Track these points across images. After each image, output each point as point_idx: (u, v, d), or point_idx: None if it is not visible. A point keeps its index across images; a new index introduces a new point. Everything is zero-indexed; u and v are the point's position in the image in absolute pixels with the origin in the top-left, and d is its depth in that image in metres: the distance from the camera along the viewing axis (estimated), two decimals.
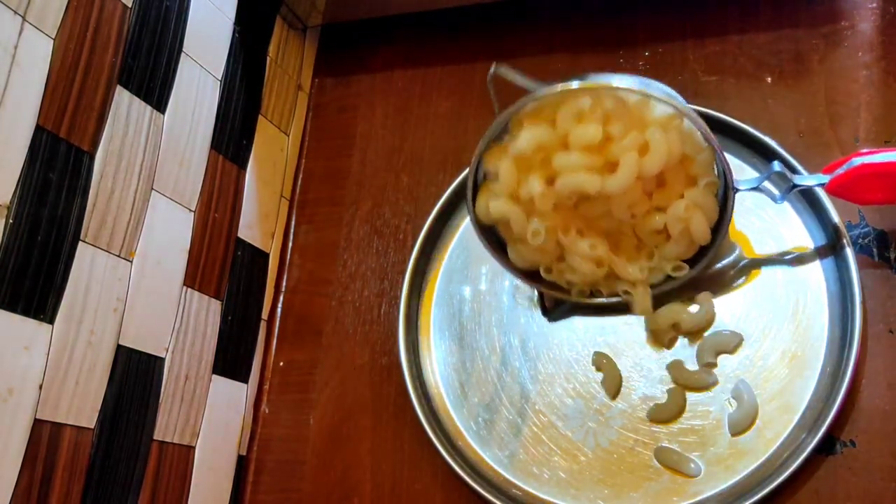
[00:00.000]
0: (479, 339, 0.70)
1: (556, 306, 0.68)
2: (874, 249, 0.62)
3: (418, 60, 0.83)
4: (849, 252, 0.60)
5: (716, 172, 0.59)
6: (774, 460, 0.58)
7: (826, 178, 0.58)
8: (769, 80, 0.70)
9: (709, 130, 0.55)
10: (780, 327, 0.62)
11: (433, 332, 0.71)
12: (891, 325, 0.60)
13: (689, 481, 0.60)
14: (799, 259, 0.63)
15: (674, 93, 0.57)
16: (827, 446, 0.58)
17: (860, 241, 0.62)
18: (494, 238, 0.64)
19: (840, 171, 0.57)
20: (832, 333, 0.60)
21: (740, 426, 0.60)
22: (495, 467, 0.65)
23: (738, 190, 0.58)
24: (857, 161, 0.56)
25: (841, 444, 0.58)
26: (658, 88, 0.56)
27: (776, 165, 0.58)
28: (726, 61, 0.71)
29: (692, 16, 0.74)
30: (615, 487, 0.62)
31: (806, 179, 0.59)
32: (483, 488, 0.63)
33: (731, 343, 0.62)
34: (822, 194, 0.62)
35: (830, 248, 0.62)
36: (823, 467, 0.58)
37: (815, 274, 0.62)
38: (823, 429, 0.56)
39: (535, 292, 0.69)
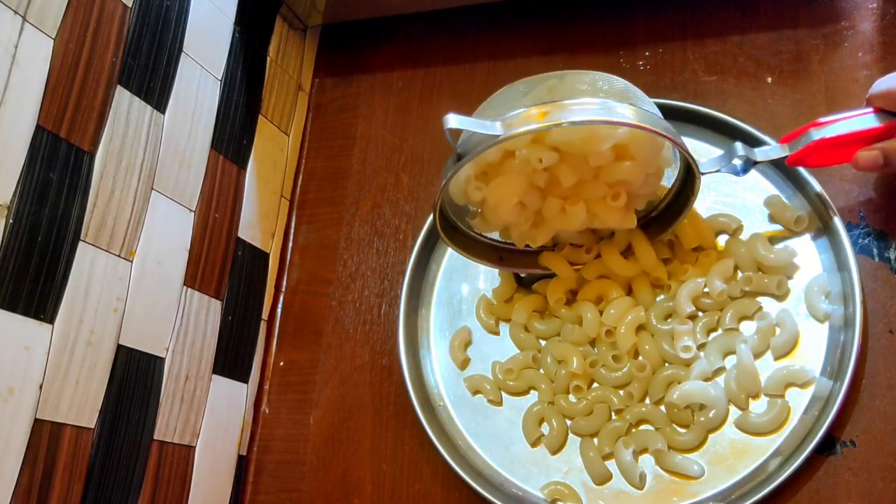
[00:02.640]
0: None
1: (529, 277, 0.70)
2: (874, 249, 0.62)
3: (418, 60, 0.83)
4: (849, 252, 0.60)
5: (678, 163, 0.62)
6: (774, 460, 0.58)
7: (786, 152, 0.60)
8: (769, 80, 0.70)
9: (672, 135, 0.55)
10: None
11: (433, 332, 0.71)
12: (891, 325, 0.60)
13: (690, 482, 0.60)
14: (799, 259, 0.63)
15: (636, 93, 0.57)
16: (827, 446, 0.58)
17: (860, 241, 0.62)
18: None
19: (799, 146, 0.59)
20: (832, 333, 0.60)
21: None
22: (495, 467, 0.65)
23: (703, 173, 0.59)
24: (815, 135, 0.59)
25: (841, 444, 0.58)
26: (615, 106, 0.55)
27: (739, 147, 0.60)
28: (726, 61, 0.71)
29: (692, 16, 0.74)
30: (616, 487, 0.61)
31: (767, 155, 0.61)
32: (483, 488, 0.63)
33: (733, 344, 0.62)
34: (823, 195, 0.62)
35: (830, 248, 0.62)
36: (823, 467, 0.58)
37: (815, 274, 0.62)
38: (823, 429, 0.56)
39: None
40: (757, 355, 0.61)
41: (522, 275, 0.70)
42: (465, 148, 0.55)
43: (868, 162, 0.57)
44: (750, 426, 0.60)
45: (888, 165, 0.57)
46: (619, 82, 0.57)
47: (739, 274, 0.64)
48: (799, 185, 0.64)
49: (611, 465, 0.62)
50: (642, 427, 0.63)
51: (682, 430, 0.61)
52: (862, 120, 0.58)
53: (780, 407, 0.59)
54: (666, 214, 0.65)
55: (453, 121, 0.52)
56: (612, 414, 0.63)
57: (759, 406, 0.60)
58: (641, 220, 0.65)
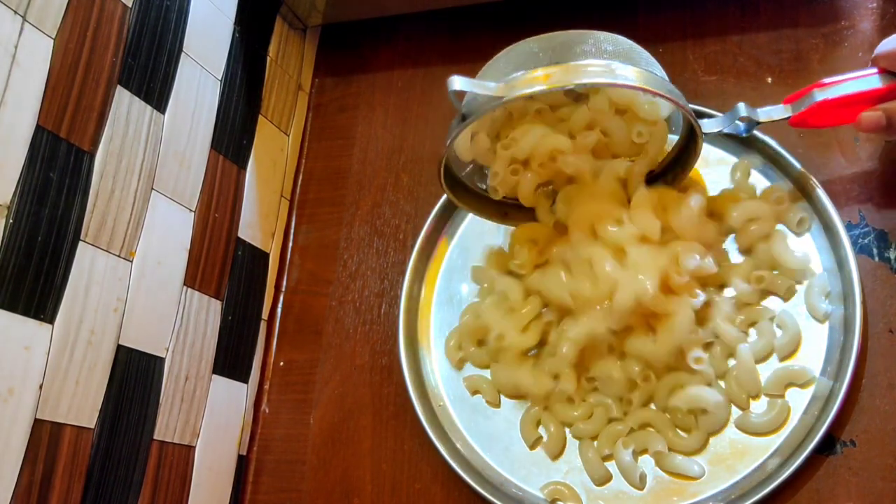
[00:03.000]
0: None
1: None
2: (874, 249, 0.62)
3: (418, 60, 0.83)
4: (849, 252, 0.60)
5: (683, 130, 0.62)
6: (774, 460, 0.58)
7: (789, 113, 0.60)
8: (769, 80, 0.70)
9: (675, 97, 0.55)
10: None
11: (433, 332, 0.71)
12: (891, 325, 0.60)
13: (691, 482, 0.60)
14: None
15: (641, 53, 0.58)
16: (827, 446, 0.58)
17: (860, 241, 0.62)
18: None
19: (803, 106, 0.59)
20: (832, 333, 0.60)
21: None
22: (495, 467, 0.65)
23: (705, 134, 0.59)
24: (819, 96, 0.58)
25: (841, 444, 0.58)
26: (620, 68, 0.55)
27: (741, 108, 0.60)
28: (726, 61, 0.71)
29: (692, 16, 0.74)
30: (616, 487, 0.61)
31: (769, 115, 0.61)
32: (483, 488, 0.63)
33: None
34: (823, 195, 0.62)
35: (830, 248, 0.62)
36: (823, 467, 0.58)
37: (816, 274, 0.62)
38: (823, 429, 0.56)
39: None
40: (760, 357, 0.61)
41: None
42: (470, 109, 0.56)
43: (871, 123, 0.57)
44: (750, 426, 0.60)
45: (891, 126, 0.56)
46: (625, 42, 0.57)
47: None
48: (799, 184, 0.64)
49: (610, 465, 0.62)
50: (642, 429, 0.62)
51: (683, 435, 0.61)
52: (866, 81, 0.58)
53: (781, 407, 0.59)
54: (666, 177, 0.66)
55: (457, 83, 0.53)
56: (614, 412, 0.63)
57: (759, 406, 0.60)
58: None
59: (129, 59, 0.60)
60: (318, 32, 0.87)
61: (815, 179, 0.63)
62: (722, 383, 0.61)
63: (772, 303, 0.63)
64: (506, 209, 0.68)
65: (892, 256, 0.62)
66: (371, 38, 0.85)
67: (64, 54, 0.54)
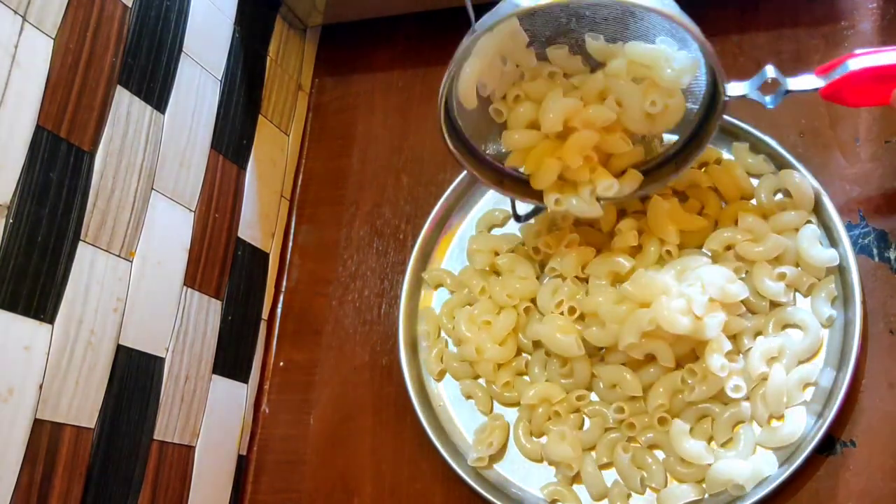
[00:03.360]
0: None
1: (531, 214, 0.68)
2: (874, 249, 0.62)
3: (418, 60, 0.83)
4: (849, 252, 0.60)
5: (704, 78, 0.58)
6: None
7: (821, 83, 0.56)
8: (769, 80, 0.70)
9: (700, 35, 0.53)
10: None
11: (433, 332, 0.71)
12: (891, 325, 0.60)
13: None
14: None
15: None
16: (827, 446, 0.58)
17: (860, 241, 0.62)
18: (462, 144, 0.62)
19: (835, 75, 0.55)
20: (832, 333, 0.60)
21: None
22: (495, 467, 0.65)
23: (728, 97, 0.56)
24: (853, 64, 0.55)
25: (841, 444, 0.58)
26: None
27: (770, 70, 0.56)
28: (726, 61, 0.71)
29: (692, 16, 0.74)
30: (617, 486, 0.61)
31: (800, 83, 0.57)
32: (483, 488, 0.63)
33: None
34: (823, 195, 0.62)
35: (830, 248, 0.62)
36: (823, 467, 0.58)
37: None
38: (823, 429, 0.56)
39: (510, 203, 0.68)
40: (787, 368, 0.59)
41: (520, 217, 0.68)
42: (483, 22, 0.52)
43: None
44: (766, 442, 0.59)
45: None
46: None
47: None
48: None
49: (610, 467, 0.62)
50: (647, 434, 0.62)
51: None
52: None
53: (798, 417, 0.58)
54: (683, 151, 0.62)
55: None
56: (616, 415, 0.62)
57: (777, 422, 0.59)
58: (655, 161, 0.63)
59: (129, 59, 0.60)
60: (318, 32, 0.87)
61: (815, 180, 0.63)
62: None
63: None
64: (503, 177, 0.64)
65: (892, 256, 0.62)
66: (371, 38, 0.85)
67: (64, 54, 0.54)
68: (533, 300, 0.66)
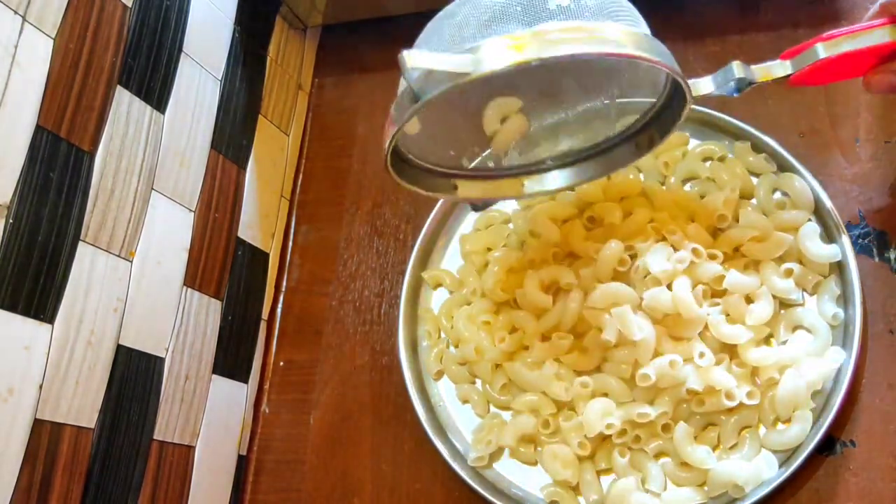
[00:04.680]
0: None
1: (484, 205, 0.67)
2: (874, 249, 0.62)
3: None
4: (849, 252, 0.60)
5: (666, 88, 0.55)
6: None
7: (789, 70, 0.54)
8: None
9: (670, 64, 0.49)
10: None
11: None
12: (891, 325, 0.60)
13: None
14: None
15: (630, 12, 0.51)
16: (827, 446, 0.58)
17: (860, 241, 0.62)
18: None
19: (805, 63, 0.53)
20: (832, 333, 0.60)
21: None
22: (495, 467, 0.65)
23: (694, 99, 0.53)
24: (823, 53, 0.52)
25: (841, 444, 0.58)
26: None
27: (735, 68, 0.53)
28: (726, 61, 0.71)
29: (692, 16, 0.74)
30: (617, 486, 0.61)
31: (769, 73, 0.54)
32: (483, 488, 0.63)
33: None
34: (823, 195, 0.62)
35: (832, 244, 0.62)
36: (823, 467, 0.58)
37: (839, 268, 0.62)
38: (823, 429, 0.56)
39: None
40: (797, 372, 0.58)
41: (479, 206, 0.66)
42: (423, 86, 0.47)
43: (882, 85, 0.52)
44: (772, 444, 0.59)
45: None
46: None
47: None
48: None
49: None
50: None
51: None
52: (876, 34, 0.51)
53: (804, 419, 0.57)
54: (642, 136, 0.59)
55: (415, 58, 0.44)
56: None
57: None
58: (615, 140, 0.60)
59: (129, 59, 0.60)
60: (318, 32, 0.87)
61: (815, 180, 0.63)
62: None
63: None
64: (455, 181, 0.61)
65: (892, 256, 0.62)
66: (371, 38, 0.85)
67: (64, 54, 0.54)
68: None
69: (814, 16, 0.70)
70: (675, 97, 0.55)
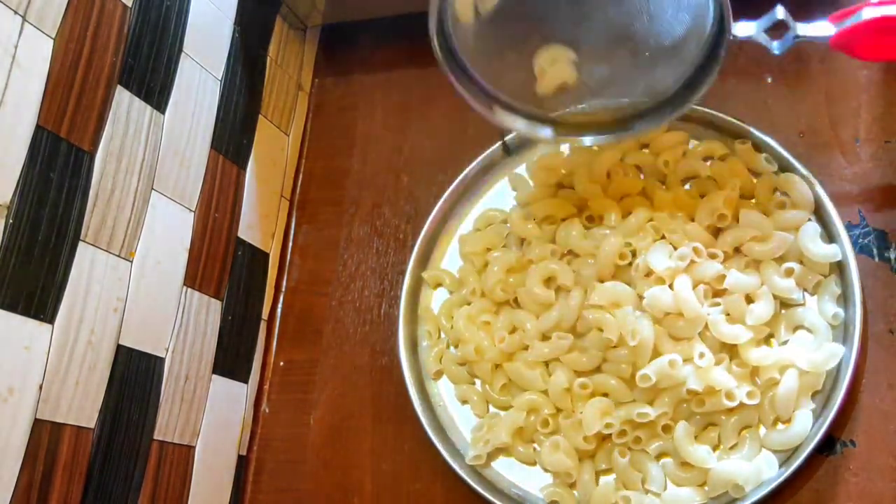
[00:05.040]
0: None
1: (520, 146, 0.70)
2: (874, 249, 0.62)
3: (418, 60, 0.82)
4: (849, 252, 0.60)
5: (711, 11, 0.55)
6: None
7: (832, 30, 0.53)
8: (769, 80, 0.70)
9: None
10: None
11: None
12: (891, 325, 0.60)
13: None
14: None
15: None
16: (827, 446, 0.58)
17: (860, 241, 0.62)
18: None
19: (848, 22, 0.52)
20: (832, 333, 0.60)
21: None
22: (495, 467, 0.65)
23: (733, 36, 0.53)
24: (868, 13, 0.51)
25: (841, 444, 0.58)
26: None
27: (779, 11, 0.53)
28: (726, 61, 0.71)
29: None
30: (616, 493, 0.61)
31: (810, 29, 0.54)
32: (483, 488, 0.63)
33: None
34: (823, 195, 0.62)
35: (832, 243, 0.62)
36: (823, 467, 0.58)
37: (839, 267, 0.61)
38: (823, 429, 0.56)
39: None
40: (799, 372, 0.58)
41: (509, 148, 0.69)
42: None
43: None
44: (772, 444, 0.59)
45: None
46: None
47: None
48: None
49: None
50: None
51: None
52: None
53: (804, 418, 0.58)
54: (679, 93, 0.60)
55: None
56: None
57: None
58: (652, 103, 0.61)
59: (129, 59, 0.60)
60: (318, 32, 0.87)
61: (814, 179, 0.63)
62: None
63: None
64: (495, 101, 0.62)
65: (892, 256, 0.62)
66: (371, 38, 0.85)
67: (64, 54, 0.54)
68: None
69: (814, 16, 0.70)
70: (715, 48, 0.55)
